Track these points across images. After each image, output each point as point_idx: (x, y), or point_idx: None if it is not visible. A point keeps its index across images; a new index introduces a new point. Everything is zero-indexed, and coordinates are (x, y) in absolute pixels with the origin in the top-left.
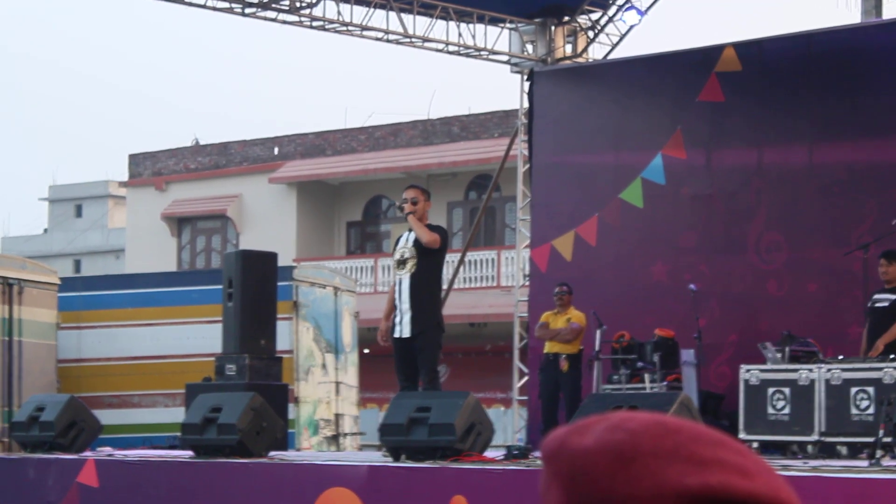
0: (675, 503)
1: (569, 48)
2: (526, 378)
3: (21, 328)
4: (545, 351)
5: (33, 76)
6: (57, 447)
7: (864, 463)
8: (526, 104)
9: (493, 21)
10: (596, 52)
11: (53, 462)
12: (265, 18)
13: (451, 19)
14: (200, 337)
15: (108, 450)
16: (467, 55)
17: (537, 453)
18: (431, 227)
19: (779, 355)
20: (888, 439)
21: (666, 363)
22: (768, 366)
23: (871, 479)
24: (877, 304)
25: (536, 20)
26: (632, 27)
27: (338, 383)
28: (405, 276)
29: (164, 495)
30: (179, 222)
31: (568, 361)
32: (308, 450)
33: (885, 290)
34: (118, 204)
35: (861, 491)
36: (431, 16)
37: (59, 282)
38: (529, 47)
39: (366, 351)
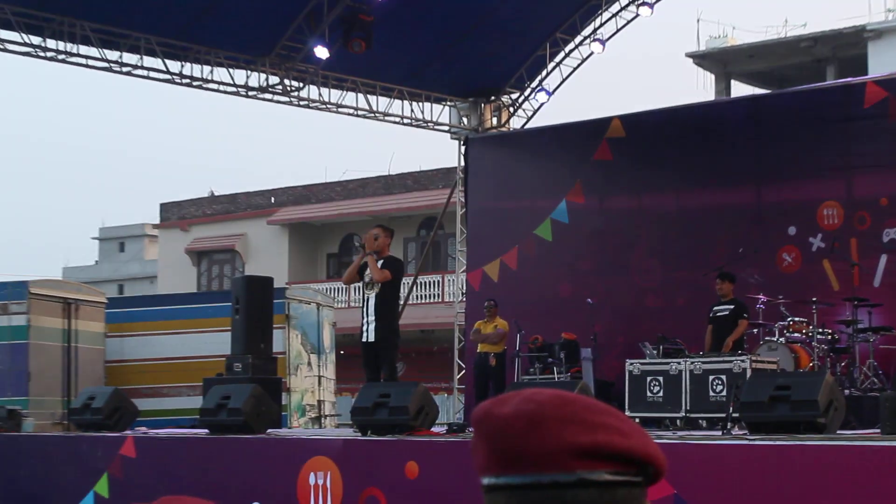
0: (571, 456)
1: (495, 120)
2: (463, 371)
3: (77, 337)
4: (478, 351)
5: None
6: (104, 427)
7: (718, 433)
8: (462, 163)
9: (437, 100)
10: (515, 123)
11: (101, 439)
12: (264, 99)
13: (406, 99)
14: (214, 342)
15: (143, 429)
16: (418, 126)
17: (471, 429)
18: (389, 260)
19: (655, 352)
20: (735, 415)
21: (570, 359)
22: (647, 360)
23: (723, 445)
24: (718, 314)
25: (470, 99)
26: (542, 104)
27: (320, 377)
28: (371, 295)
29: (187, 464)
30: (199, 255)
31: (495, 359)
32: (297, 428)
33: (722, 303)
34: (152, 241)
35: (715, 454)
36: (390, 96)
37: (106, 301)
38: (465, 120)
39: (341, 352)
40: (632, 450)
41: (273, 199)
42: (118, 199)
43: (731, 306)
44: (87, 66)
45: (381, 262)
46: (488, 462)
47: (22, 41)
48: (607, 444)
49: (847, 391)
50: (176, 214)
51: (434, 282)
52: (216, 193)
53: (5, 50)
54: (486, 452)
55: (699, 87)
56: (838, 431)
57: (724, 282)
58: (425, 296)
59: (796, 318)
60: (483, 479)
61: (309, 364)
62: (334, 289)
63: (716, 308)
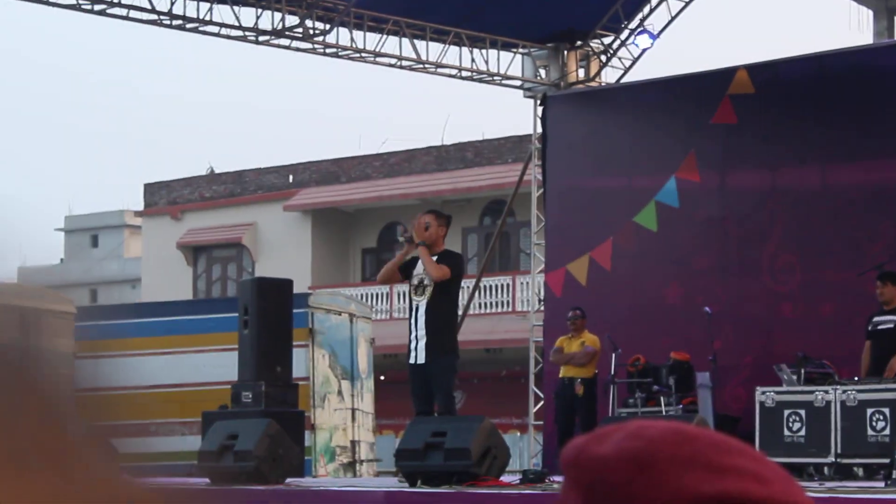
0: None
1: (581, 72)
2: (542, 403)
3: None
4: (560, 375)
5: (47, 105)
6: None
7: (881, 484)
8: (539, 129)
9: (506, 46)
10: (608, 76)
11: None
12: (279, 46)
13: (464, 45)
14: (216, 365)
15: None
16: (480, 80)
17: (554, 478)
18: (445, 255)
19: (794, 377)
20: None
21: (681, 386)
22: (784, 388)
23: (888, 500)
24: (879, 327)
25: (549, 45)
26: (644, 51)
27: (354, 410)
28: (422, 303)
29: None
30: (195, 251)
31: (583, 385)
32: (325, 477)
33: (884, 312)
34: (134, 233)
35: None
36: (444, 42)
37: (75, 311)
38: (542, 72)
39: (381, 377)
40: (772, 500)
41: (291, 178)
42: (90, 180)
43: None
44: (51, 2)
45: (434, 259)
46: None
47: None
48: (740, 493)
49: None
50: (165, 198)
51: (502, 285)
52: (217, 171)
53: None
54: (581, 503)
55: (853, 27)
56: None
57: (887, 284)
58: (491, 304)
59: None
60: None
61: (339, 393)
62: (371, 295)
63: (876, 319)
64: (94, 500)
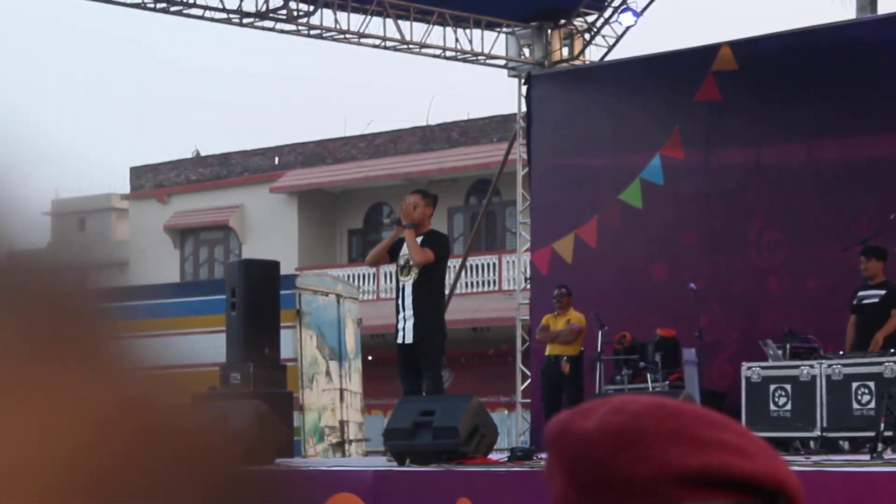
0: (675, 484)
1: (565, 51)
2: (529, 381)
3: None
4: (546, 353)
5: (30, 87)
6: None
7: (866, 457)
8: (524, 108)
9: (490, 26)
10: (593, 55)
11: None
12: (263, 28)
13: (448, 25)
14: (204, 347)
15: None
16: (465, 60)
17: (541, 455)
18: (430, 235)
19: (780, 352)
20: (889, 433)
21: (668, 363)
22: (770, 363)
23: (873, 473)
24: (864, 301)
25: (533, 24)
26: (628, 28)
27: (342, 390)
28: (408, 283)
29: None
30: (182, 234)
31: (569, 363)
32: (314, 457)
33: (869, 287)
34: (121, 217)
35: (863, 485)
36: (428, 22)
37: None
38: (526, 51)
39: (369, 358)
40: (756, 474)
41: (277, 160)
42: (77, 163)
43: (883, 291)
44: None
45: (420, 239)
46: (567, 492)
47: None
48: (724, 467)
49: None
50: (151, 181)
51: (489, 264)
52: (203, 154)
53: None
54: (564, 480)
55: (836, 2)
56: None
57: (871, 259)
58: (477, 283)
59: None
60: None
61: (328, 374)
62: (359, 275)
63: (861, 293)
64: (120, 390)
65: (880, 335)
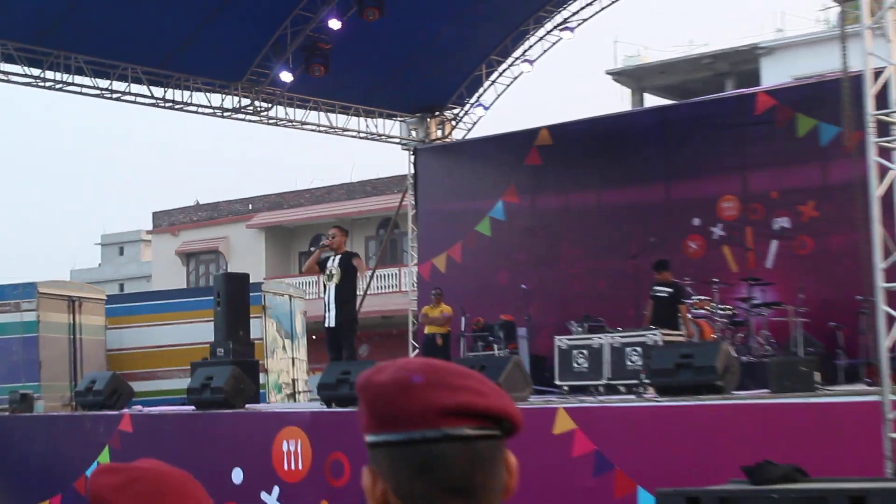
0: (438, 415)
1: (439, 132)
2: (417, 351)
3: (81, 329)
4: (426, 332)
5: (78, 160)
6: (105, 407)
7: (633, 397)
8: (412, 170)
9: (389, 116)
10: (457, 134)
11: (102, 417)
12: (237, 119)
13: (362, 116)
14: (200, 331)
15: (139, 408)
16: (373, 139)
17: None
18: (347, 253)
19: (580, 329)
20: (647, 381)
21: (508, 338)
22: (574, 336)
23: (637, 407)
24: (658, 294)
25: (417, 114)
26: (480, 117)
27: (293, 359)
28: (331, 285)
29: (176, 436)
30: (188, 256)
31: (442, 339)
32: (275, 402)
33: (662, 283)
34: (147, 245)
35: (630, 414)
36: (348, 114)
37: (105, 298)
38: (414, 132)
39: (313, 337)
40: (489, 408)
41: (251, 206)
42: (117, 209)
43: (671, 289)
44: (81, 93)
45: (339, 257)
46: (370, 422)
47: (24, 73)
48: (468, 403)
49: (744, 358)
50: (167, 221)
51: (392, 274)
52: (201, 202)
53: (9, 81)
54: (368, 414)
55: (617, 100)
56: (735, 392)
57: (661, 272)
58: (385, 286)
59: (701, 297)
60: (366, 436)
61: (284, 348)
62: (305, 282)
63: (656, 287)
64: None
65: (685, 313)
